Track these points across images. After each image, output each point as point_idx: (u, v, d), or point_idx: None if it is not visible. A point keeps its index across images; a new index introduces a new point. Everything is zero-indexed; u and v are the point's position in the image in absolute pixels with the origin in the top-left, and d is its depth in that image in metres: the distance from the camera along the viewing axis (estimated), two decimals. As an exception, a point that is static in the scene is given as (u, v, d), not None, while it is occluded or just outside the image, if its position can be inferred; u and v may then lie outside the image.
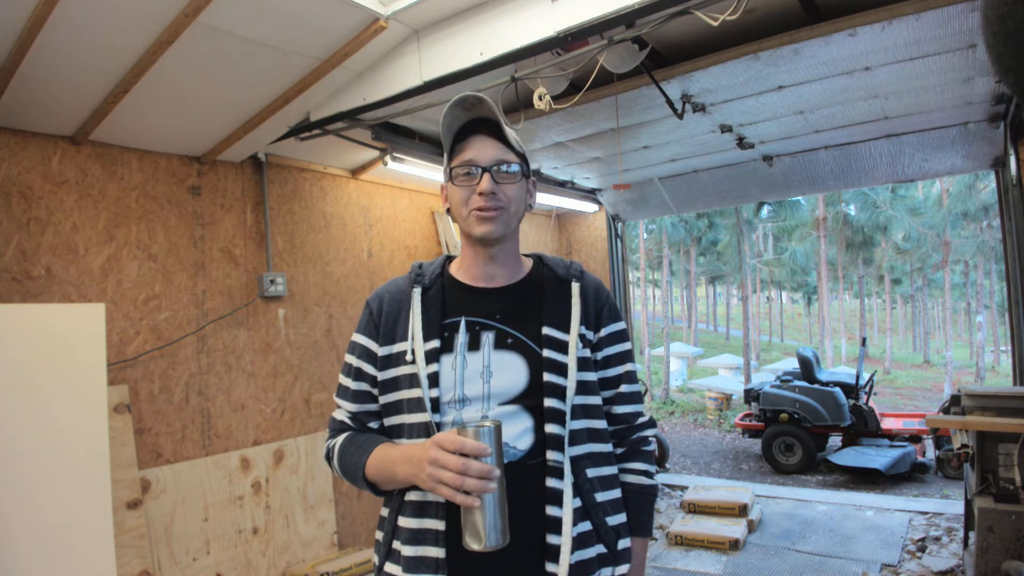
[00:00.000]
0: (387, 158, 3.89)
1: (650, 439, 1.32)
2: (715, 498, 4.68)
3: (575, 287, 1.24)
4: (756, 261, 22.48)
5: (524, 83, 2.83)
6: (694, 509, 4.66)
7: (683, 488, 5.39)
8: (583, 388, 1.17)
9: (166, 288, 3.22)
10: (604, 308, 1.26)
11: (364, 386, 1.23)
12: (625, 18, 2.18)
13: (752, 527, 4.40)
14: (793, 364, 9.22)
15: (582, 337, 1.20)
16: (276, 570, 3.45)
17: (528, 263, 1.28)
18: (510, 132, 1.18)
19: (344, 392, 1.26)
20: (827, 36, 2.80)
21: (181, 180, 3.33)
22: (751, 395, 7.51)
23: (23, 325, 2.19)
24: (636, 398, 1.29)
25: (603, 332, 1.25)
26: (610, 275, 6.61)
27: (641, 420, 1.30)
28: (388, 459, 1.11)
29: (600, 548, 1.16)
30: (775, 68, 3.20)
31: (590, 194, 6.26)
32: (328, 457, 1.24)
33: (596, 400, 1.21)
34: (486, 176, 1.14)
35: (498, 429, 0.98)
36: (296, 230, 3.88)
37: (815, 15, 2.85)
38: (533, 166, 5.11)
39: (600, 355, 1.24)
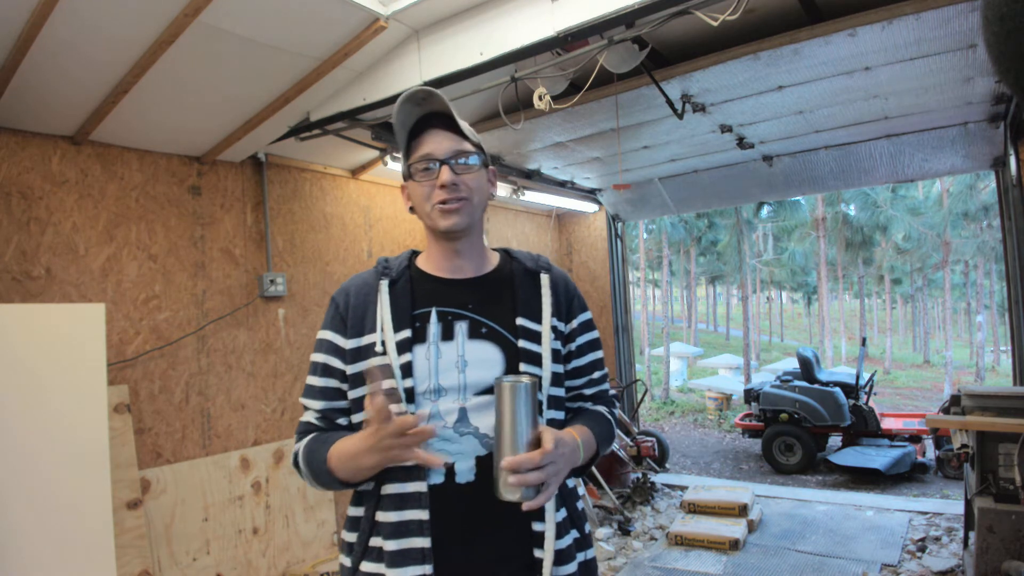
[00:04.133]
0: (387, 158, 3.89)
1: (616, 407, 1.37)
2: (715, 498, 4.68)
3: (545, 279, 1.25)
4: (756, 261, 22.47)
5: (524, 83, 2.83)
6: (694, 509, 4.66)
7: (683, 488, 5.39)
8: (554, 380, 1.19)
9: (166, 288, 3.22)
10: (574, 299, 1.29)
11: (332, 382, 1.19)
12: (625, 18, 2.18)
13: (752, 527, 4.40)
14: (793, 364, 9.21)
15: (554, 328, 1.21)
16: (276, 570, 3.46)
17: (495, 256, 1.29)
18: (463, 123, 1.18)
19: (311, 391, 1.21)
20: (827, 36, 2.81)
21: (181, 180, 3.33)
22: (751, 395, 7.50)
23: (23, 325, 2.19)
24: (604, 380, 1.34)
25: (575, 322, 1.27)
26: (610, 275, 6.61)
27: (611, 393, 1.37)
28: (351, 449, 1.07)
29: (575, 533, 1.19)
30: (775, 68, 3.20)
31: (590, 194, 6.26)
32: (296, 463, 1.18)
33: (562, 392, 1.23)
34: (445, 168, 1.14)
35: (533, 386, 1.02)
36: (296, 230, 3.88)
37: (815, 15, 2.85)
38: (533, 166, 5.10)
39: (574, 345, 1.27)
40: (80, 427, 2.23)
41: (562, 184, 5.71)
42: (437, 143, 1.15)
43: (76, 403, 2.24)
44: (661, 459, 6.22)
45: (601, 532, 4.35)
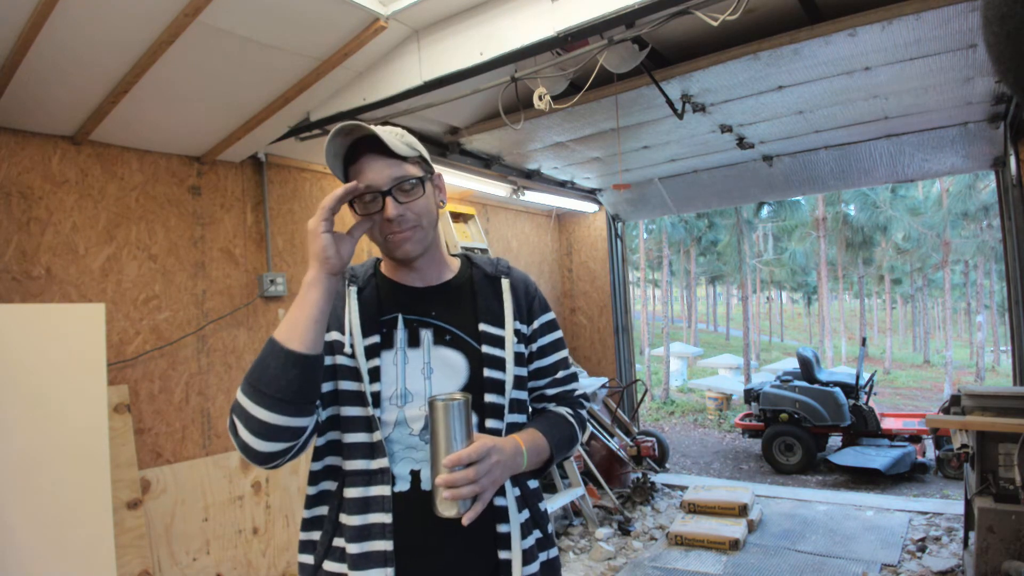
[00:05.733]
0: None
1: (585, 407, 1.36)
2: (715, 498, 4.68)
3: (505, 283, 1.26)
4: (756, 261, 22.47)
5: (524, 83, 2.83)
6: (694, 509, 4.66)
7: (683, 488, 5.39)
8: (517, 383, 1.20)
9: (166, 288, 3.22)
10: (535, 301, 1.29)
11: None
12: (625, 18, 2.18)
13: (752, 527, 4.40)
14: (793, 364, 9.21)
15: (516, 332, 1.22)
16: (276, 570, 3.45)
17: (456, 263, 1.30)
18: (395, 143, 1.10)
19: None
20: (827, 36, 2.81)
21: (181, 180, 3.33)
22: (751, 395, 7.49)
23: (23, 325, 2.19)
24: (572, 379, 1.33)
25: (536, 324, 1.28)
26: (610, 275, 6.61)
27: (578, 393, 1.35)
28: (295, 302, 1.05)
29: (538, 533, 1.21)
30: (775, 68, 3.20)
31: (590, 194, 6.26)
32: (233, 414, 1.06)
33: (524, 395, 1.25)
34: (388, 201, 1.10)
35: (466, 403, 1.03)
36: (296, 230, 3.88)
37: (815, 15, 2.85)
38: (533, 166, 5.10)
39: (535, 346, 1.27)
40: (80, 427, 2.23)
41: (562, 184, 5.71)
42: (376, 172, 1.10)
43: (76, 403, 2.24)
44: (661, 459, 6.22)
45: (601, 532, 4.35)
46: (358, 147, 1.12)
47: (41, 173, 2.80)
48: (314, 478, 1.17)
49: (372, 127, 1.09)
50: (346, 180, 1.14)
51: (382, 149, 1.11)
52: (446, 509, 1.01)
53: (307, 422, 1.05)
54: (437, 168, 1.30)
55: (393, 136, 1.13)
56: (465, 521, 1.00)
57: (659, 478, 5.68)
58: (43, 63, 2.30)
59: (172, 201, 3.28)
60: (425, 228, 1.16)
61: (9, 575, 2.01)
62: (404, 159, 1.13)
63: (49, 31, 2.12)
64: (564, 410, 1.30)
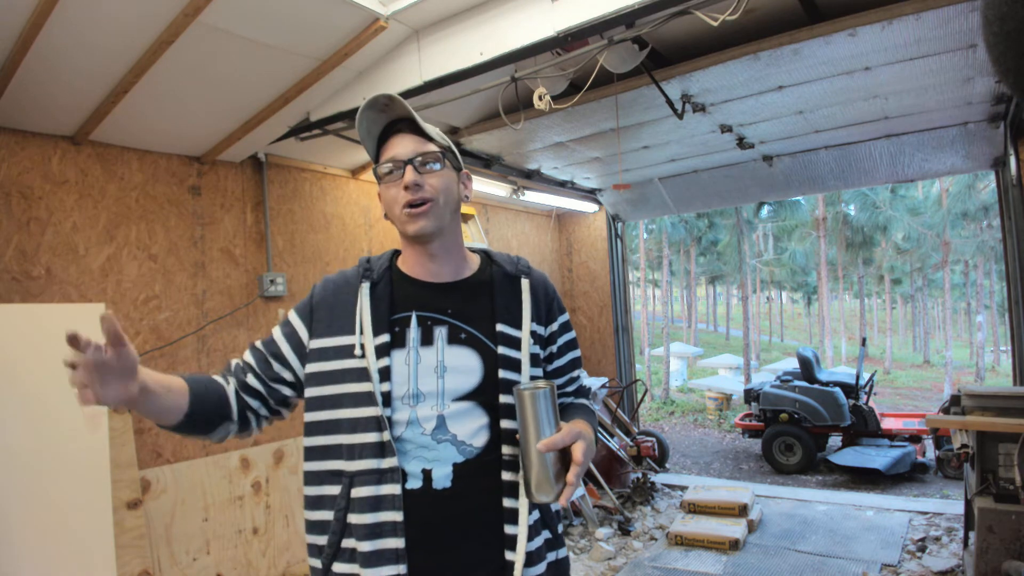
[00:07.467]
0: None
1: (589, 396, 1.44)
2: (715, 498, 4.68)
3: (525, 283, 1.26)
4: (756, 261, 22.46)
5: (524, 83, 2.83)
6: (694, 509, 4.65)
7: (683, 488, 5.38)
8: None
9: (166, 288, 3.22)
10: (553, 301, 1.30)
11: (274, 363, 1.24)
12: (625, 18, 2.18)
13: (752, 527, 4.40)
14: (793, 364, 9.21)
15: (533, 333, 1.22)
16: (276, 570, 3.45)
17: (475, 259, 1.29)
18: (429, 127, 1.20)
19: (254, 350, 1.28)
20: (827, 36, 2.81)
21: (181, 180, 3.33)
22: (751, 395, 7.49)
23: (23, 325, 2.19)
24: (581, 375, 1.40)
25: (555, 324, 1.29)
26: (610, 275, 6.61)
27: (586, 385, 1.43)
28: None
29: (547, 534, 1.21)
30: (775, 68, 3.20)
31: (590, 194, 6.26)
32: None
33: None
34: (408, 168, 1.15)
35: (552, 390, 1.05)
36: (296, 230, 3.88)
37: (815, 15, 2.86)
38: (533, 166, 5.10)
39: (555, 346, 1.29)
40: (80, 427, 2.23)
41: (562, 184, 5.71)
42: (401, 146, 1.17)
43: (75, 403, 2.23)
44: (661, 459, 6.22)
45: (601, 532, 4.35)
46: (391, 125, 1.20)
47: (41, 173, 2.80)
48: (312, 479, 1.16)
49: (407, 105, 1.17)
50: (377, 159, 1.21)
51: (412, 129, 1.19)
52: (543, 494, 1.03)
53: (219, 425, 1.22)
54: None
55: (427, 124, 1.21)
56: (563, 501, 1.03)
57: (659, 478, 5.68)
58: (43, 64, 2.30)
59: (172, 201, 3.28)
60: (441, 206, 1.18)
61: (9, 575, 2.01)
62: (431, 140, 1.20)
63: (49, 32, 2.12)
64: (585, 401, 1.35)
